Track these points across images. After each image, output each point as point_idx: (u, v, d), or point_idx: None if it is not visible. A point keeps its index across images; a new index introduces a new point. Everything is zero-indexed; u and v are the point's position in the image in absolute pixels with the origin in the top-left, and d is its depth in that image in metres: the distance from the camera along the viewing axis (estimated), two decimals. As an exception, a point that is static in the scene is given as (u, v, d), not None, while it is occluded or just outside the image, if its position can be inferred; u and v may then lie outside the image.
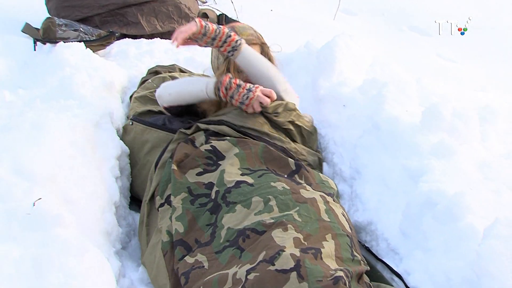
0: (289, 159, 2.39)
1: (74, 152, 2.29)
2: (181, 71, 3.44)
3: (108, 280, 1.87)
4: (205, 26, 2.59)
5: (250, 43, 2.73)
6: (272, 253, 1.81)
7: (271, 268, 1.76)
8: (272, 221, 1.97)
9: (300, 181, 2.29)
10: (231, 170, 2.28)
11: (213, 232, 2.08)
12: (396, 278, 2.14)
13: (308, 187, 2.23)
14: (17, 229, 1.79)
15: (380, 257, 2.29)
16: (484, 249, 1.72)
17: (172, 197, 2.26)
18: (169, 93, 2.73)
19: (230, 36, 2.63)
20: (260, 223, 1.98)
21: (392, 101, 2.76)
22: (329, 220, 2.05)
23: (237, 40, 2.63)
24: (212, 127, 2.54)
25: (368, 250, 2.36)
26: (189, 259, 2.02)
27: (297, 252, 1.81)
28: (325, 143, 2.95)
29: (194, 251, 2.05)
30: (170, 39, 4.34)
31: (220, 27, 2.64)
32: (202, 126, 2.57)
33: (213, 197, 2.20)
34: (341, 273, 1.75)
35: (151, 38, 4.38)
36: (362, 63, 3.44)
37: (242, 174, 2.27)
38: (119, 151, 2.58)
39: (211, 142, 2.45)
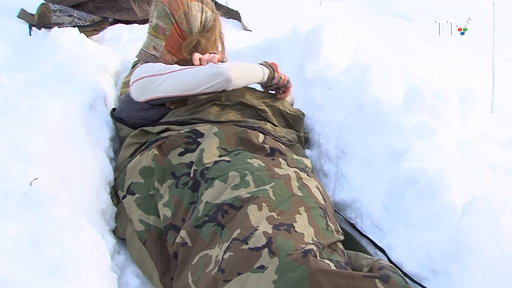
0: (265, 145, 2.34)
1: (69, 134, 2.27)
2: None
3: (103, 257, 1.87)
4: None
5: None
6: (246, 233, 1.81)
7: (245, 247, 1.76)
8: (248, 195, 1.97)
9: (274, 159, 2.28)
10: (210, 150, 2.25)
11: (193, 208, 2.06)
12: (379, 253, 2.15)
13: (283, 163, 2.22)
14: (14, 207, 1.78)
15: (364, 233, 2.30)
16: (463, 224, 1.73)
17: (157, 185, 2.21)
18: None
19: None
20: (237, 198, 1.97)
21: (376, 84, 2.76)
22: (302, 195, 2.04)
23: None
24: (188, 128, 2.42)
25: (353, 226, 2.37)
26: (178, 239, 2.01)
27: (269, 229, 1.81)
28: (312, 125, 2.95)
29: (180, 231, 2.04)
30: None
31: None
32: (176, 128, 2.44)
33: (192, 175, 2.18)
34: (311, 246, 1.75)
35: (143, 24, 4.35)
36: (347, 47, 3.44)
37: (219, 156, 2.24)
38: (113, 133, 2.57)
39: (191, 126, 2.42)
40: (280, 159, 2.26)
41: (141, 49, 2.64)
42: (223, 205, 1.97)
